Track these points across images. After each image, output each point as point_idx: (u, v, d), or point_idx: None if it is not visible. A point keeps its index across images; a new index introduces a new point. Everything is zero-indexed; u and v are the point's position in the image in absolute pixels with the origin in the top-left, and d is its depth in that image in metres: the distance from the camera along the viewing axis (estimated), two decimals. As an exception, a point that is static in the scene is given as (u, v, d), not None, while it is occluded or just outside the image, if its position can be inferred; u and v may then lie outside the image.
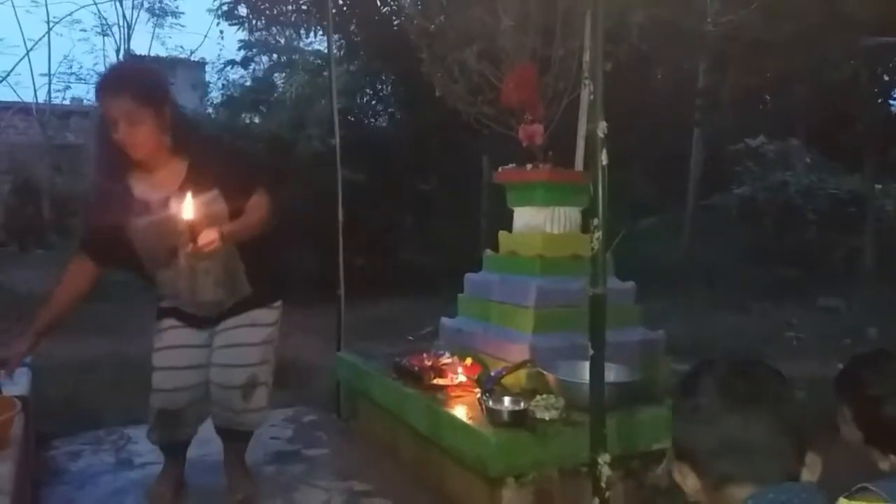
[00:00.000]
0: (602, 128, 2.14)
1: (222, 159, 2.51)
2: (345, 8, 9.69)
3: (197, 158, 2.47)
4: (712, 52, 8.48)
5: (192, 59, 15.33)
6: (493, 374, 2.99)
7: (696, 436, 1.12)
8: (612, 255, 3.13)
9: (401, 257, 9.21)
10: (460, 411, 2.76)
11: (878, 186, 10.27)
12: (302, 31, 10.44)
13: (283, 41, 10.85)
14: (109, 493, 2.89)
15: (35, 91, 13.50)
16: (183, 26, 14.73)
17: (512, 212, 3.59)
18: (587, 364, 2.24)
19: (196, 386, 2.66)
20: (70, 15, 13.87)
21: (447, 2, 3.95)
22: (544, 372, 2.86)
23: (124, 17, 13.56)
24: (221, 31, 12.49)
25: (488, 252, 3.65)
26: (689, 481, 1.14)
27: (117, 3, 13.39)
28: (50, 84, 13.72)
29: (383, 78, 10.64)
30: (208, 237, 2.19)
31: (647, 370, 2.97)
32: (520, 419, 2.58)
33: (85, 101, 13.73)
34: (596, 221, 2.16)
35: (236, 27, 10.48)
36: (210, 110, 11.14)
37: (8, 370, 2.43)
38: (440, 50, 3.83)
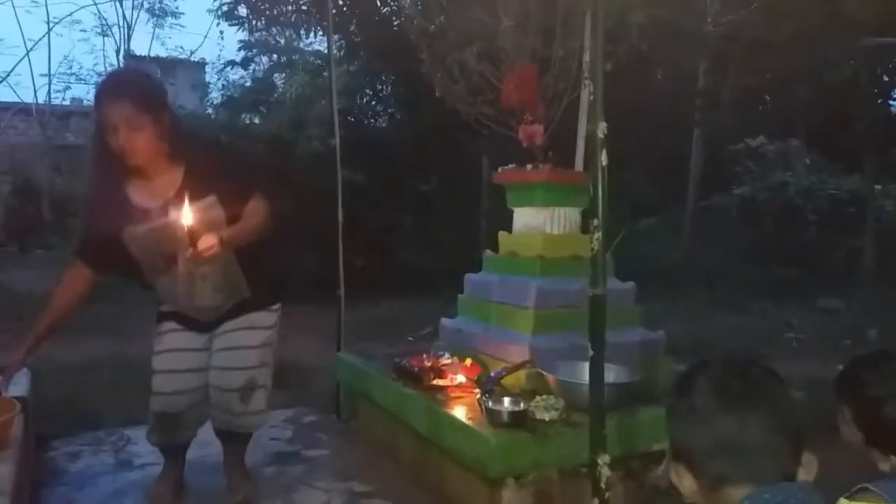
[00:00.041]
0: (602, 128, 2.14)
1: (219, 165, 2.50)
2: (345, 8, 9.69)
3: (193, 165, 2.47)
4: (712, 53, 8.49)
5: (192, 59, 15.36)
6: (492, 374, 2.99)
7: (691, 436, 1.12)
8: (612, 255, 3.13)
9: (401, 258, 9.21)
10: (460, 412, 2.76)
11: (878, 187, 10.27)
12: (302, 32, 10.44)
13: (283, 41, 10.85)
14: (109, 494, 2.89)
15: (35, 91, 13.52)
16: (183, 27, 14.77)
17: (512, 212, 3.59)
18: (587, 365, 2.23)
19: (196, 389, 2.66)
20: (70, 15, 13.91)
21: (447, 2, 3.95)
22: (544, 373, 2.86)
23: (124, 17, 13.58)
24: (221, 32, 12.49)
25: (488, 252, 3.65)
26: (686, 482, 1.14)
27: (117, 4, 13.41)
28: (50, 84, 13.74)
29: (383, 78, 10.64)
30: (208, 242, 2.18)
31: (646, 371, 2.97)
32: (519, 420, 2.58)
33: (85, 102, 13.73)
34: (596, 222, 2.16)
35: (236, 27, 10.49)
36: (210, 111, 11.14)
37: (6, 377, 2.42)
38: (440, 50, 3.83)
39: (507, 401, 2.68)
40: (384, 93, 10.98)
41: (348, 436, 3.68)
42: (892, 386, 1.55)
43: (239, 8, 10.05)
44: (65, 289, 2.56)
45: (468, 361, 3.18)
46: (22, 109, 13.59)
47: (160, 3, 14.04)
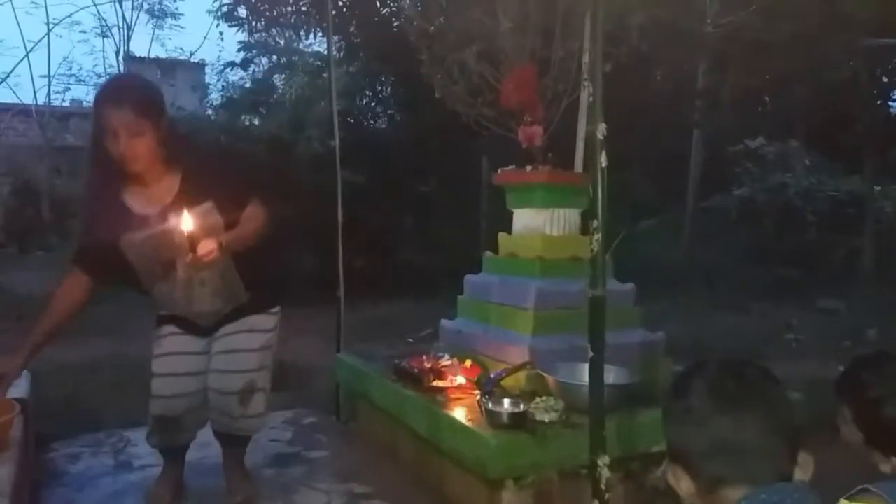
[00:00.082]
0: (601, 129, 2.14)
1: (215, 171, 2.49)
2: (344, 9, 9.69)
3: (190, 171, 2.47)
4: (712, 53, 8.49)
5: (191, 60, 15.37)
6: (492, 375, 2.99)
7: (688, 438, 1.12)
8: (612, 256, 3.13)
9: (400, 259, 9.22)
10: (460, 413, 2.76)
11: (878, 188, 10.28)
12: (301, 33, 10.45)
13: (282, 43, 10.86)
14: (109, 496, 2.89)
15: (35, 93, 13.55)
16: (182, 28, 14.79)
17: (511, 213, 3.59)
18: (587, 366, 2.23)
19: (195, 392, 2.66)
20: (70, 16, 13.93)
21: (447, 3, 3.95)
22: (544, 374, 2.86)
23: (124, 18, 13.60)
24: (221, 33, 12.56)
25: (488, 254, 3.65)
26: (684, 484, 1.14)
27: (117, 5, 13.42)
28: (49, 86, 13.76)
29: (383, 79, 10.65)
30: (207, 247, 2.18)
31: (646, 372, 2.97)
32: (519, 421, 2.58)
33: (84, 103, 13.74)
34: (595, 223, 2.16)
35: (236, 29, 10.49)
36: (210, 112, 11.14)
37: (4, 386, 2.42)
38: (440, 51, 3.83)
39: (506, 402, 2.68)
40: (384, 94, 10.99)
41: (348, 437, 3.68)
42: (892, 386, 1.55)
43: (239, 9, 10.06)
44: (63, 296, 2.54)
45: (468, 363, 3.18)
46: (22, 111, 13.61)
47: (160, 4, 14.06)
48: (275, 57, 10.96)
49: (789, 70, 8.24)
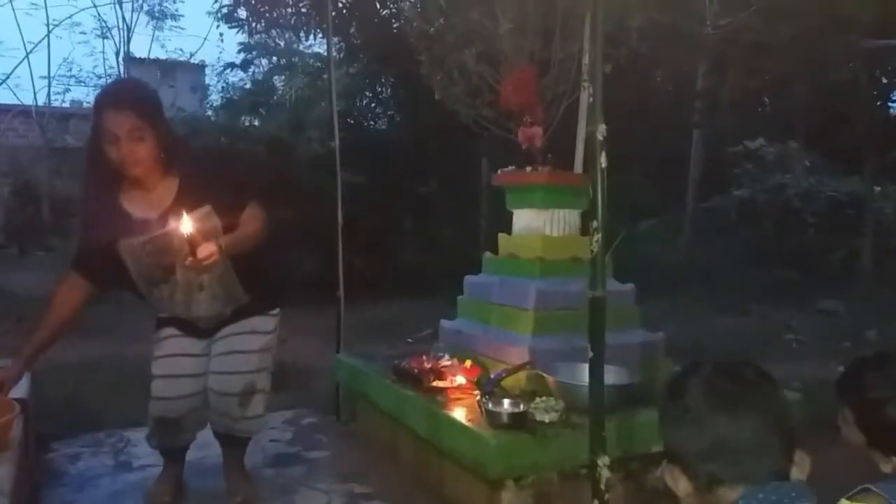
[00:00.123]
0: (601, 130, 2.14)
1: (213, 175, 2.49)
2: (344, 10, 9.70)
3: (188, 175, 2.47)
4: (711, 55, 8.50)
5: (191, 61, 15.36)
6: (492, 376, 2.99)
7: (685, 438, 1.12)
8: (612, 257, 3.13)
9: (400, 259, 9.22)
10: (460, 413, 2.76)
11: (877, 189, 10.28)
12: (301, 34, 10.46)
13: (282, 44, 10.85)
14: (109, 496, 2.89)
15: (35, 94, 13.54)
16: (182, 29, 14.69)
17: (511, 214, 3.59)
18: (587, 366, 2.23)
19: (195, 394, 2.66)
20: (70, 17, 13.81)
21: (446, 4, 3.96)
22: (544, 374, 2.86)
23: (124, 19, 13.58)
24: (221, 34, 12.53)
25: (488, 254, 3.66)
26: (681, 484, 1.14)
27: (117, 6, 13.41)
28: (49, 87, 13.76)
29: (383, 80, 10.65)
30: (208, 250, 2.18)
31: (646, 372, 2.97)
32: (519, 421, 2.58)
33: (84, 104, 13.72)
34: (595, 224, 2.16)
35: (236, 30, 10.50)
36: (210, 113, 11.13)
37: (2, 393, 2.42)
38: (439, 52, 3.84)
39: (506, 402, 2.68)
40: (384, 95, 10.99)
41: (348, 437, 3.68)
42: (894, 388, 1.55)
43: (238, 10, 10.07)
44: (60, 303, 2.53)
45: (468, 363, 3.18)
46: (22, 112, 13.61)
47: (160, 5, 14.05)
48: (275, 58, 10.96)
49: (789, 71, 8.25)
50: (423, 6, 4.31)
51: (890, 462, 1.56)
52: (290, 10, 9.82)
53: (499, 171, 3.61)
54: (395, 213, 9.54)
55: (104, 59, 14.67)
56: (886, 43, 7.56)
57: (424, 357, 3.30)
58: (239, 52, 11.04)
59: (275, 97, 10.14)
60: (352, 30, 10.06)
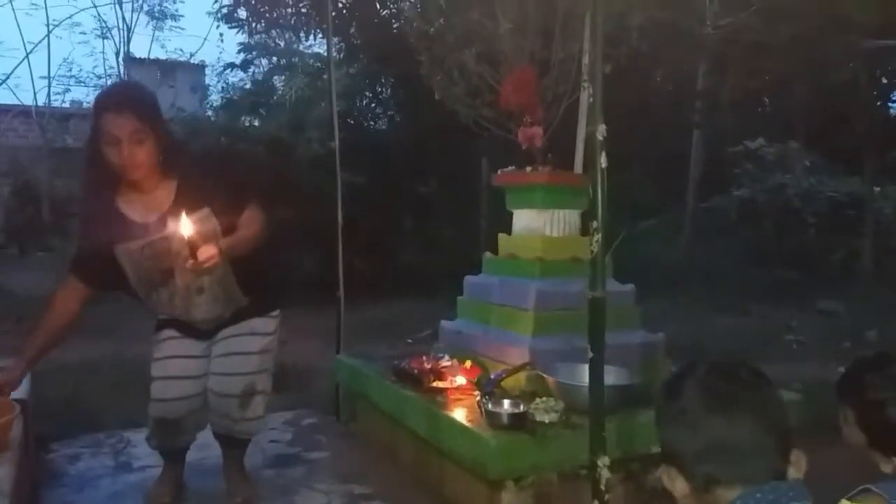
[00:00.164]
0: (601, 130, 2.14)
1: (212, 177, 2.49)
2: (344, 11, 9.70)
3: (186, 178, 2.47)
4: (712, 55, 8.49)
5: (191, 61, 15.32)
6: (492, 376, 2.99)
7: (681, 439, 1.13)
8: (612, 257, 3.13)
9: (400, 259, 9.22)
10: (460, 414, 2.76)
11: (877, 189, 10.28)
12: (301, 34, 10.46)
13: (282, 44, 10.85)
14: (108, 496, 2.89)
15: (35, 94, 13.51)
16: (182, 29, 14.64)
17: (511, 214, 3.59)
18: (587, 367, 2.23)
19: (195, 395, 2.66)
20: (70, 18, 13.78)
21: (446, 5, 3.96)
22: (544, 375, 2.86)
23: (124, 19, 13.54)
24: (221, 34, 12.50)
25: (488, 254, 3.65)
26: (678, 485, 1.14)
27: (117, 6, 13.37)
28: (49, 87, 13.72)
29: (383, 81, 10.65)
30: (208, 252, 2.18)
31: (646, 373, 2.97)
32: (519, 422, 2.58)
33: (84, 104, 13.69)
34: (595, 224, 2.16)
35: (236, 30, 10.50)
36: (210, 113, 11.12)
37: (3, 395, 2.42)
38: (439, 52, 3.84)
39: (506, 403, 2.68)
40: (384, 95, 10.99)
41: (348, 438, 3.68)
42: (895, 388, 1.55)
43: (238, 10, 10.07)
44: (59, 308, 2.52)
45: (468, 363, 3.18)
46: (22, 112, 13.60)
47: (160, 5, 14.01)
48: (275, 58, 10.95)
49: (789, 71, 8.25)
50: (423, 6, 4.31)
51: (890, 462, 1.55)
52: (290, 10, 9.83)
53: (499, 172, 3.60)
54: (395, 213, 9.54)
55: (104, 59, 14.63)
56: (886, 43, 7.55)
57: (424, 357, 3.30)
58: (239, 52, 11.05)
59: (275, 97, 10.14)
60: (352, 30, 10.06)
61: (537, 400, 2.73)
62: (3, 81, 13.06)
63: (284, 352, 3.16)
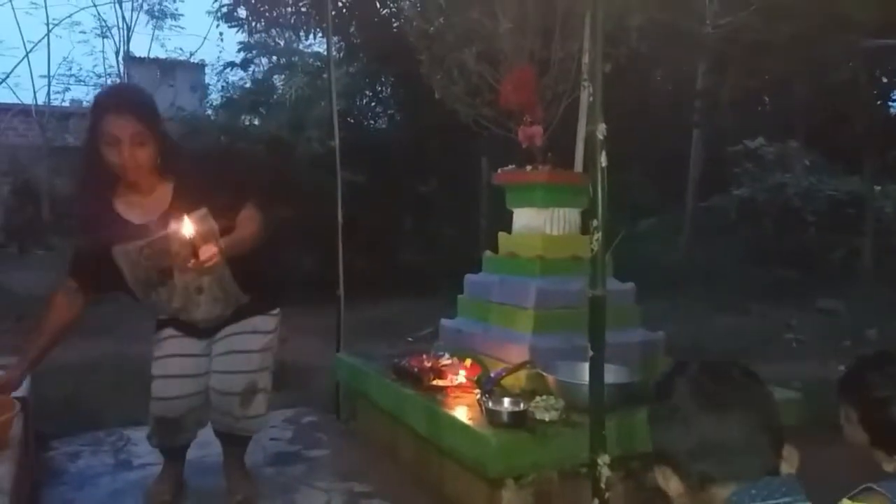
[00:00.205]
0: (601, 129, 2.14)
1: (209, 178, 2.49)
2: (344, 10, 9.70)
3: (184, 179, 2.47)
4: (711, 54, 8.50)
5: (191, 60, 15.31)
6: (492, 375, 2.99)
7: (674, 438, 1.14)
8: (612, 256, 3.13)
9: (400, 258, 9.22)
10: (460, 412, 2.76)
11: (878, 188, 10.28)
12: (301, 33, 10.45)
13: (282, 43, 10.84)
14: (109, 494, 2.89)
15: (34, 93, 13.49)
16: (182, 28, 14.63)
17: (511, 213, 3.59)
18: (587, 365, 2.23)
19: (196, 394, 2.66)
20: (69, 17, 13.77)
21: (446, 4, 3.96)
22: (544, 373, 2.86)
23: (124, 19, 13.54)
24: (221, 33, 12.46)
25: (488, 253, 3.66)
26: (672, 484, 1.15)
27: (117, 6, 13.37)
28: (49, 86, 13.71)
29: (383, 80, 10.64)
30: (209, 251, 2.19)
31: (646, 371, 2.97)
32: (519, 420, 2.58)
33: (84, 103, 13.68)
34: (595, 223, 2.16)
35: (236, 29, 10.49)
36: (210, 112, 11.12)
37: (3, 397, 2.42)
38: (439, 52, 3.84)
39: (506, 401, 2.68)
40: (384, 94, 10.99)
41: (348, 436, 3.68)
42: None
43: (238, 10, 10.07)
44: (58, 311, 2.53)
45: (468, 362, 3.18)
46: (22, 111, 13.58)
47: (160, 4, 14.00)
48: (274, 57, 10.94)
49: (789, 71, 8.25)
50: (423, 6, 4.31)
51: (893, 461, 1.55)
52: (289, 9, 9.82)
53: (499, 170, 3.60)
54: (395, 212, 9.54)
55: (104, 58, 14.59)
56: (886, 42, 7.56)
57: (424, 356, 3.30)
58: (239, 51, 11.04)
59: (275, 96, 10.14)
60: (352, 29, 10.06)
61: (537, 398, 2.73)
62: (3, 80, 13.06)
63: (285, 350, 3.17)
